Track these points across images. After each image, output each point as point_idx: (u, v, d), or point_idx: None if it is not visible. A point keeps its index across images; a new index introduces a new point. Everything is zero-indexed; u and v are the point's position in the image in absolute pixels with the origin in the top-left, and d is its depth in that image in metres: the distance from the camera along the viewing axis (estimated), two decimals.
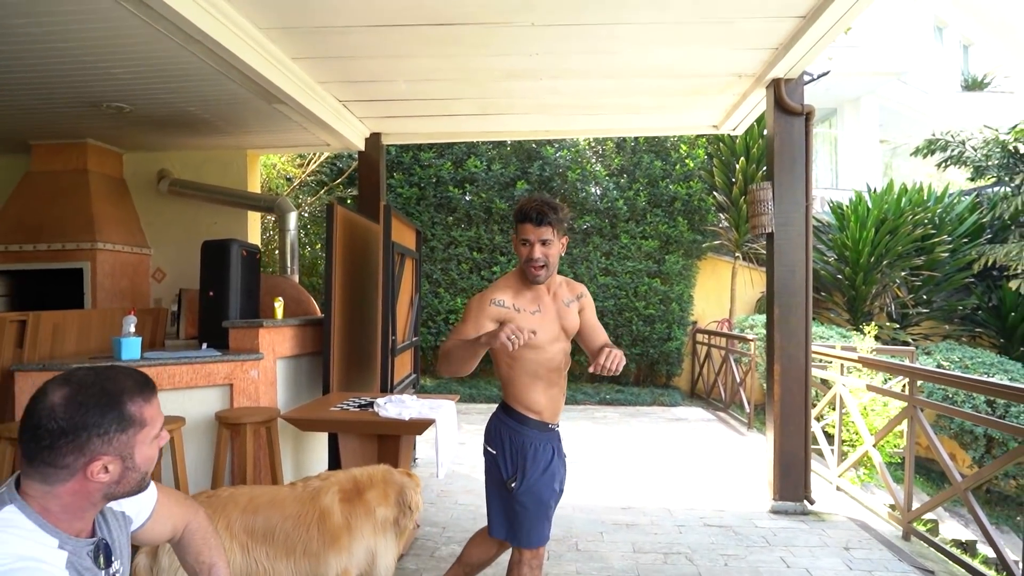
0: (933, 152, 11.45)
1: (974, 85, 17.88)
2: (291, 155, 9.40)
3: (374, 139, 6.23)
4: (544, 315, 2.50)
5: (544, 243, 2.40)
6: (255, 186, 6.81)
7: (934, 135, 11.59)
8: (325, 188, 9.91)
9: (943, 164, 11.38)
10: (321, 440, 4.96)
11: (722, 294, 10.36)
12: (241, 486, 2.82)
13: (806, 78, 4.78)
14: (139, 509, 1.48)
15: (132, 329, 3.74)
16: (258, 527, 2.56)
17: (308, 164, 9.51)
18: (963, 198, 10.88)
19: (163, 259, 6.63)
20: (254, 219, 6.82)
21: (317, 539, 2.60)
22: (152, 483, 1.48)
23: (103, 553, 1.29)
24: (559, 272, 2.62)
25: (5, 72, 4.27)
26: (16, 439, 3.28)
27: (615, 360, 2.24)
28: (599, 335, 2.66)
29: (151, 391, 1.30)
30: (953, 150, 11.19)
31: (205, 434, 3.99)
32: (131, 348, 3.70)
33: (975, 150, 10.96)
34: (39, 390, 1.22)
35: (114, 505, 1.38)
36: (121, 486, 1.26)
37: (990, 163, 10.69)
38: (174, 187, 6.32)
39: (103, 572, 1.28)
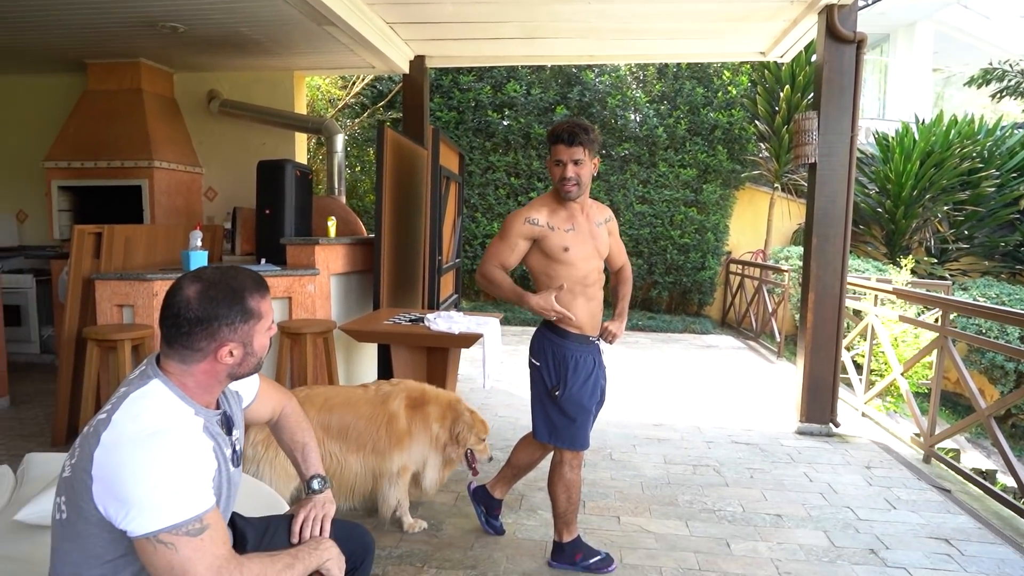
0: (988, 82, 11.06)
1: None
2: (334, 77, 9.45)
3: (418, 62, 6.27)
4: (578, 233, 2.65)
5: (576, 163, 2.56)
6: (301, 107, 6.93)
7: (991, 64, 11.15)
8: (367, 112, 9.97)
9: (998, 95, 11.01)
10: (370, 351, 5.26)
11: (758, 225, 10.34)
12: (316, 386, 3.10)
13: (860, 3, 4.69)
14: (248, 390, 1.72)
15: (199, 243, 3.98)
16: (333, 424, 2.86)
17: (352, 87, 9.55)
18: (1016, 131, 10.54)
19: (213, 178, 6.86)
20: (300, 140, 6.98)
21: (385, 439, 2.91)
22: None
23: (226, 423, 1.53)
24: (593, 197, 2.77)
25: None
26: (99, 340, 3.59)
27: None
28: (620, 256, 2.96)
29: (265, 289, 1.49)
30: (1010, 80, 10.80)
31: None
32: (199, 261, 3.94)
33: None
34: (174, 285, 1.42)
35: (230, 385, 1.61)
36: (242, 368, 1.47)
37: None
38: (224, 107, 6.48)
39: (228, 438, 1.51)
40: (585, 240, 2.67)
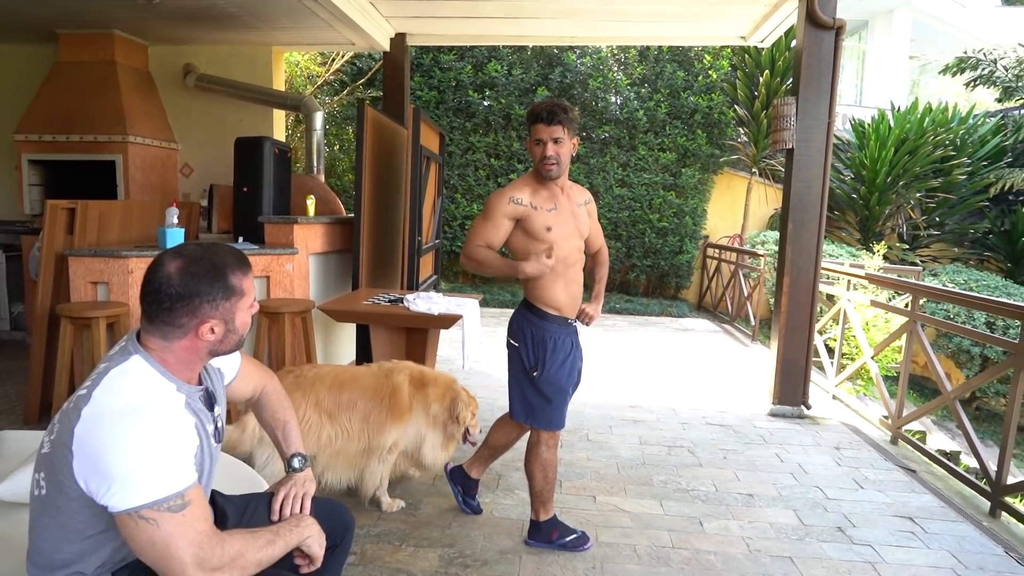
0: (963, 70, 11.23)
1: None
2: (313, 54, 9.30)
3: (399, 40, 6.21)
4: (560, 213, 2.67)
5: (556, 141, 2.57)
6: (280, 84, 6.83)
7: (966, 52, 11.31)
8: (346, 89, 9.85)
9: (972, 83, 11.17)
10: (347, 332, 5.25)
11: (736, 209, 10.44)
12: (324, 364, 3.16)
13: None
14: (229, 367, 1.72)
15: (175, 220, 3.93)
16: (343, 400, 2.93)
17: (331, 64, 9.41)
18: (988, 120, 10.74)
19: (189, 154, 6.75)
20: (279, 117, 6.88)
21: (386, 411, 2.97)
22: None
23: (208, 399, 1.53)
24: (573, 180, 2.79)
25: None
26: (73, 317, 3.55)
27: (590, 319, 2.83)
28: (598, 238, 2.98)
29: (247, 266, 1.49)
30: (984, 69, 10.97)
31: None
32: (175, 238, 3.90)
33: (1006, 70, 10.73)
34: (156, 261, 1.41)
35: (212, 362, 1.61)
36: (224, 345, 1.47)
37: (1020, 84, 10.48)
38: (201, 82, 6.36)
39: (211, 414, 1.51)
40: (567, 220, 2.69)
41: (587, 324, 2.84)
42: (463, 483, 3.12)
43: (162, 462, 1.27)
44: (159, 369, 1.39)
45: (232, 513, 1.66)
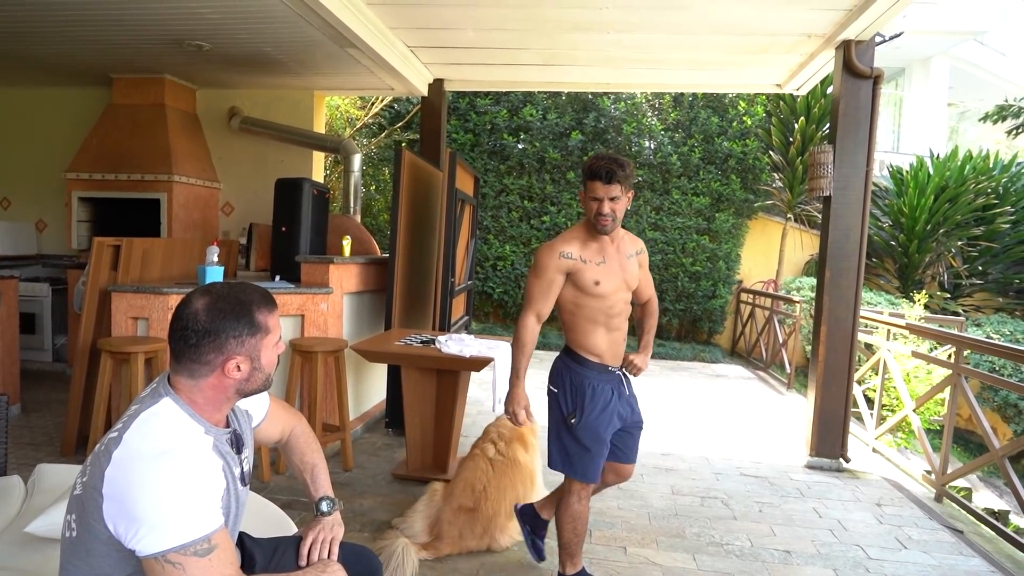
0: (1004, 118, 11.07)
1: None
2: (353, 98, 9.56)
3: (437, 85, 6.34)
4: (608, 266, 2.65)
5: (613, 199, 2.56)
6: (320, 126, 7.02)
7: (1007, 100, 11.17)
8: (384, 132, 10.08)
9: (1014, 131, 11.00)
10: (379, 371, 5.26)
11: (770, 255, 10.32)
12: (458, 490, 3.27)
13: (878, 39, 4.71)
14: (258, 409, 1.72)
15: (215, 258, 4.02)
16: (509, 499, 3.24)
17: (371, 107, 9.66)
18: None
19: (231, 193, 6.93)
20: (318, 159, 7.05)
21: (527, 480, 3.33)
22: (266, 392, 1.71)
23: (236, 441, 1.53)
24: None
25: (100, 8, 4.50)
26: (113, 351, 3.62)
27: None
28: (648, 288, 2.93)
29: (273, 304, 1.50)
30: None
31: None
32: (215, 276, 3.97)
33: None
34: (184, 299, 1.43)
35: (240, 404, 1.61)
36: (250, 384, 1.47)
37: None
38: (245, 124, 6.56)
39: (238, 457, 1.52)
40: (615, 273, 2.67)
41: (634, 375, 2.79)
42: (532, 523, 3.04)
43: (189, 506, 1.28)
44: (188, 411, 1.40)
45: (260, 557, 1.65)
